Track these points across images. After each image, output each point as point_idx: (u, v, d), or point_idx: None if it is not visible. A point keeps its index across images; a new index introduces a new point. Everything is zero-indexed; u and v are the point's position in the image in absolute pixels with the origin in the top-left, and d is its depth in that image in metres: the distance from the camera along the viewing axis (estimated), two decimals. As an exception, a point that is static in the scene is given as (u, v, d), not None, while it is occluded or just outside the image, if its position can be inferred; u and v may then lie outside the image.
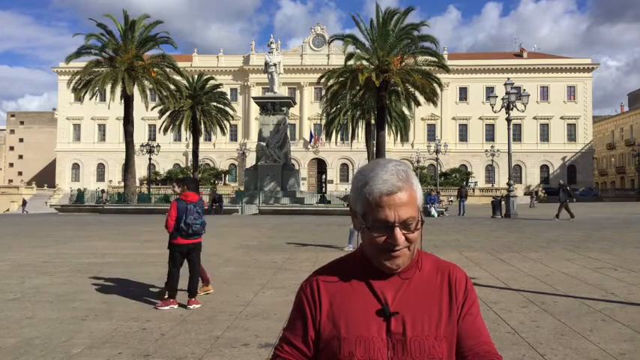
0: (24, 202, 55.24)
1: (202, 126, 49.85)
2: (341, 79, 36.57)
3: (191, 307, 6.78)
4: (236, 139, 77.07)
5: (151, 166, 58.97)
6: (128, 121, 39.51)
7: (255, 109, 61.06)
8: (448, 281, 1.46)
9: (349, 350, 1.37)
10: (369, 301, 1.42)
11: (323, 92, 48.35)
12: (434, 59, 35.74)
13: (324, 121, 51.06)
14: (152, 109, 47.50)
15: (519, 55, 79.68)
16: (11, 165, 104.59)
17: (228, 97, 57.59)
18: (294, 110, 61.88)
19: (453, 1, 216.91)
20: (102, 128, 79.33)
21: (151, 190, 55.40)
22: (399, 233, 1.36)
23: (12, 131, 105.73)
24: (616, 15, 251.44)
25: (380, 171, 1.39)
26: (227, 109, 51.12)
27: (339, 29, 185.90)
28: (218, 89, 51.06)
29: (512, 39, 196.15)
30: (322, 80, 38.11)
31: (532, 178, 75.71)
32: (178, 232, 7.03)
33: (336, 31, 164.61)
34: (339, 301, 1.44)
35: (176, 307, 6.75)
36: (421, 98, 36.68)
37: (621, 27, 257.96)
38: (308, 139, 75.51)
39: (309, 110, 76.58)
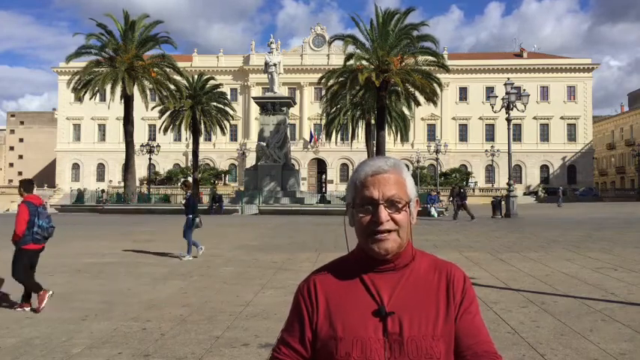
0: None
1: (202, 126, 49.85)
2: (341, 79, 36.58)
3: (26, 309, 6.65)
4: (236, 139, 77.04)
5: (151, 166, 58.98)
6: (128, 121, 39.51)
7: (255, 109, 61.01)
8: (446, 280, 1.45)
9: (346, 351, 1.36)
10: (366, 302, 1.41)
11: (323, 92, 48.35)
12: (434, 59, 35.75)
13: (324, 121, 51.05)
14: (152, 109, 47.49)
15: (519, 55, 79.66)
16: (11, 165, 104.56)
17: (228, 97, 57.59)
18: (294, 110, 61.86)
19: (455, 0, 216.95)
20: (102, 128, 79.30)
21: (151, 190, 55.46)
22: (383, 211, 1.38)
23: (12, 131, 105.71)
24: (618, 15, 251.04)
25: (370, 160, 1.46)
26: (227, 109, 51.12)
27: (341, 29, 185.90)
28: (218, 89, 51.06)
29: (513, 39, 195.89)
30: (322, 80, 38.12)
31: (532, 178, 75.71)
32: (31, 237, 6.70)
33: (338, 31, 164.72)
34: (335, 301, 1.44)
35: (28, 309, 6.63)
36: (421, 98, 36.68)
37: (623, 27, 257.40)
38: (308, 139, 75.48)
39: (309, 110, 76.56)
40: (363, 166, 1.45)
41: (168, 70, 40.00)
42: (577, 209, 39.59)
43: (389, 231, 1.39)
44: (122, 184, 47.14)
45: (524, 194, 65.07)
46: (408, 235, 1.44)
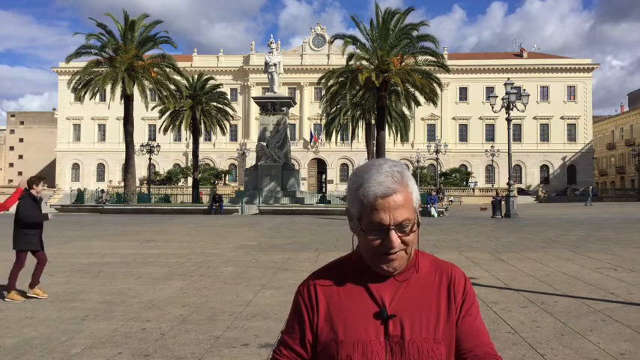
0: None
1: (202, 126, 49.82)
2: (341, 79, 36.54)
3: None
4: (236, 139, 77.06)
5: (150, 166, 58.99)
6: (128, 121, 39.49)
7: (255, 109, 61.05)
8: (447, 281, 1.44)
9: (347, 353, 1.36)
10: (367, 304, 1.41)
11: (323, 92, 48.35)
12: (434, 59, 35.71)
13: (324, 121, 51.08)
14: (152, 109, 47.45)
15: (519, 55, 79.69)
16: (11, 165, 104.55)
17: (228, 97, 57.57)
18: (294, 110, 61.87)
19: (458, 0, 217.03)
20: (102, 128, 79.33)
21: (151, 190, 55.44)
22: (394, 236, 1.34)
23: (12, 131, 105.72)
24: (621, 14, 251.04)
25: (375, 173, 1.36)
26: (227, 109, 51.10)
27: (343, 29, 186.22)
28: (218, 89, 51.02)
29: (513, 39, 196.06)
30: (322, 80, 38.11)
31: (532, 178, 75.69)
32: None
33: (340, 30, 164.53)
34: (336, 303, 1.43)
35: None
36: (421, 98, 36.66)
37: (626, 26, 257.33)
38: (308, 139, 75.51)
39: (309, 110, 76.57)
40: (369, 180, 1.35)
41: (168, 70, 39.98)
42: (577, 209, 39.63)
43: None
44: (122, 184, 47.13)
45: (520, 191, 64.46)
46: (415, 246, 1.42)
